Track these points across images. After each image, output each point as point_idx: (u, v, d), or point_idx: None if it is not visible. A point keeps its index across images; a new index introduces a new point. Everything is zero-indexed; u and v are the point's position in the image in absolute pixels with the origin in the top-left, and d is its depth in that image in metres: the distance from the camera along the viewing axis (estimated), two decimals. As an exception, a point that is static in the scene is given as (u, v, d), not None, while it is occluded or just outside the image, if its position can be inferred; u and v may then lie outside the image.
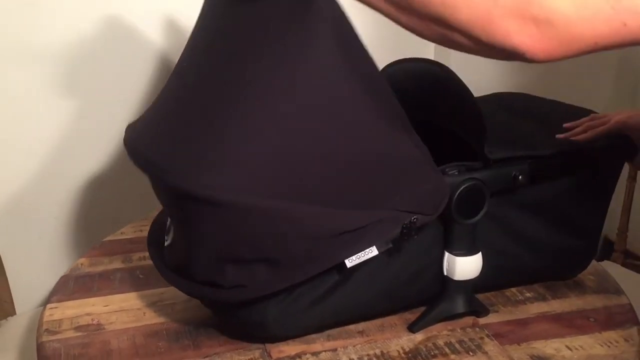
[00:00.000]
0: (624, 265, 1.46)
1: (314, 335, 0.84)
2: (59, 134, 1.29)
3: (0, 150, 1.26)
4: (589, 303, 0.93)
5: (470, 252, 0.84)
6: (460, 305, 0.87)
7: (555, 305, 0.92)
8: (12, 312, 1.29)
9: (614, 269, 1.39)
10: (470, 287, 0.87)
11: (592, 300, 0.94)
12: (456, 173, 0.81)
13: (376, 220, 0.76)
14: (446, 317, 0.87)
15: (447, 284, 0.86)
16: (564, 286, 0.97)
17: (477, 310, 0.89)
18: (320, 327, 0.84)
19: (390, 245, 0.77)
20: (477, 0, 0.59)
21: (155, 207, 1.26)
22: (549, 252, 0.93)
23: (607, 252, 1.57)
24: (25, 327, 1.19)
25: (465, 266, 0.84)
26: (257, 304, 0.79)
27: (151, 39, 1.30)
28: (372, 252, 0.76)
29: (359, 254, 0.76)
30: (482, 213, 0.83)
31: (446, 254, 0.85)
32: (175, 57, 1.25)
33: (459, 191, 0.80)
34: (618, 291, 0.96)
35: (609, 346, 0.83)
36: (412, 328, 0.86)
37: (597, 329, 0.87)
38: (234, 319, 0.82)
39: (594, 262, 1.04)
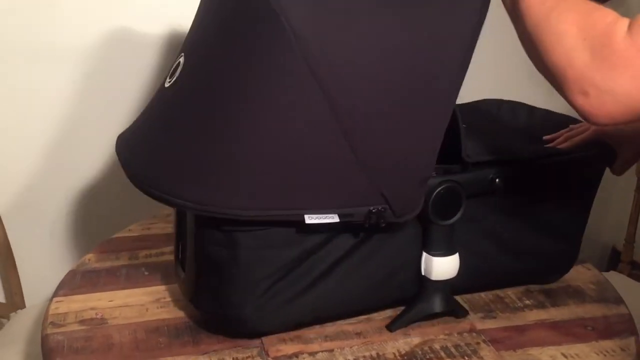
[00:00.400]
0: (630, 276, 1.46)
1: (311, 335, 0.86)
2: (72, 132, 1.31)
3: (14, 147, 1.29)
4: (588, 312, 0.93)
5: (447, 252, 0.86)
6: (437, 305, 0.88)
7: (554, 313, 0.93)
8: (22, 305, 1.32)
9: (620, 280, 1.38)
10: (448, 287, 0.88)
11: (591, 309, 0.94)
12: (434, 174, 0.83)
13: (351, 185, 0.76)
14: (424, 317, 0.88)
15: (425, 283, 0.87)
16: (564, 294, 0.97)
17: (455, 310, 0.90)
18: (298, 324, 0.86)
19: (351, 219, 0.77)
20: (561, 53, 0.64)
21: (161, 207, 1.29)
22: (528, 255, 0.94)
23: (614, 262, 1.57)
24: (34, 319, 1.22)
25: (442, 266, 0.85)
26: (236, 299, 0.80)
27: (171, 41, 1.32)
28: (334, 218, 0.76)
29: (320, 214, 0.75)
30: (459, 215, 0.84)
31: (424, 254, 0.86)
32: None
33: (435, 192, 0.82)
34: (618, 301, 0.96)
35: (605, 355, 0.83)
36: (391, 327, 0.87)
37: (594, 337, 0.87)
38: (214, 314, 0.84)
39: (595, 271, 1.05)
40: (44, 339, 0.85)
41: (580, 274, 1.03)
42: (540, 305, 0.94)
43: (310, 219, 0.75)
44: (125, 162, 0.81)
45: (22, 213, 1.33)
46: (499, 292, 0.97)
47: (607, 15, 0.64)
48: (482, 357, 0.82)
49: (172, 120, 0.79)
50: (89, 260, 1.06)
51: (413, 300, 0.88)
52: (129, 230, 1.18)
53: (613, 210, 1.66)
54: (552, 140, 0.95)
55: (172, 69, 0.81)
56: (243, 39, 0.73)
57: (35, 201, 1.33)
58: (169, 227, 1.18)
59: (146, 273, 1.02)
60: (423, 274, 0.87)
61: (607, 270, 1.50)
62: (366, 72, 0.72)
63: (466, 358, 0.82)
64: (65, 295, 0.96)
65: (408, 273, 0.87)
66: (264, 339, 0.85)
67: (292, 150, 0.73)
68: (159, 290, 0.97)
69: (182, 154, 0.76)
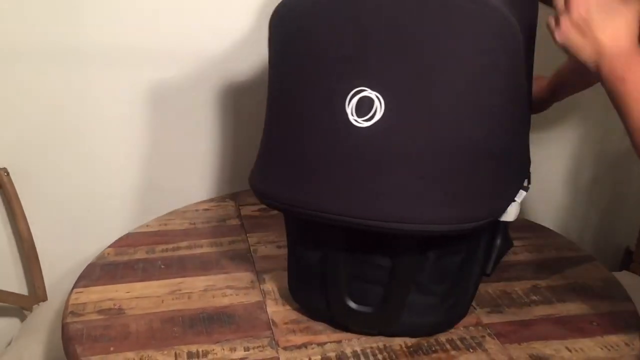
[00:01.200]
0: (642, 275, 1.46)
1: (320, 327, 0.88)
2: (95, 132, 1.35)
3: (37, 148, 1.33)
4: (594, 308, 0.94)
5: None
6: (509, 242, 0.99)
7: (560, 309, 0.94)
8: (44, 297, 1.36)
9: (630, 279, 1.39)
10: None
11: (597, 305, 0.95)
12: None
13: (525, 166, 0.87)
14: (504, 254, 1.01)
15: (501, 227, 0.95)
16: (571, 291, 0.99)
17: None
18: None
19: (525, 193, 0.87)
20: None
21: (178, 204, 1.32)
22: None
23: (627, 263, 1.56)
24: (56, 311, 1.25)
25: (518, 207, 0.91)
26: (456, 305, 0.87)
27: (188, 47, 1.34)
28: (522, 194, 0.86)
29: (519, 193, 0.85)
30: None
31: None
32: (217, 62, 1.29)
33: None
34: (625, 298, 0.97)
35: (609, 349, 0.85)
36: (488, 272, 0.95)
37: (599, 332, 0.88)
38: (428, 327, 0.88)
39: (603, 269, 1.06)
40: (64, 327, 0.89)
41: (588, 272, 1.04)
42: (547, 301, 0.96)
43: (519, 197, 0.85)
44: (352, 209, 0.76)
45: (45, 209, 1.37)
46: (506, 287, 0.99)
47: None
48: (486, 350, 0.84)
49: (403, 156, 0.75)
50: (108, 254, 1.10)
51: (491, 243, 0.95)
52: (147, 225, 1.21)
53: (627, 211, 1.66)
54: None
55: (354, 105, 0.75)
56: (478, 57, 0.73)
57: (58, 198, 1.37)
58: (185, 223, 1.22)
59: (162, 266, 1.05)
60: (502, 219, 0.90)
61: (620, 270, 1.50)
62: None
63: (471, 350, 0.84)
64: (85, 286, 0.99)
65: None
66: (274, 329, 0.88)
67: (514, 146, 0.81)
68: (174, 283, 1.00)
69: (432, 184, 0.75)
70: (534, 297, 0.97)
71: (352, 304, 0.85)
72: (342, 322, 0.88)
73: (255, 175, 0.85)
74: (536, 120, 0.94)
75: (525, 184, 0.88)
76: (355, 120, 0.75)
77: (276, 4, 0.84)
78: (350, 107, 0.75)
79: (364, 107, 0.75)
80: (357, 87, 0.75)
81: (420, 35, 0.73)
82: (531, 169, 0.90)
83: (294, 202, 0.79)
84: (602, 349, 0.85)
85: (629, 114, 0.72)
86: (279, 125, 0.83)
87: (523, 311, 0.93)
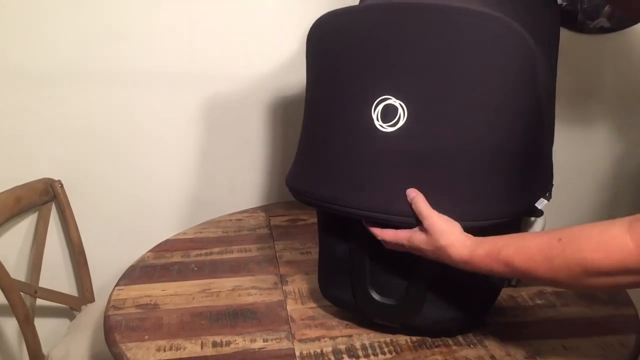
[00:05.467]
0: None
1: (334, 323, 0.96)
2: (138, 150, 1.47)
3: (89, 163, 1.46)
4: (596, 311, 0.99)
5: None
6: None
7: (563, 311, 0.99)
8: (91, 299, 1.48)
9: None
10: None
11: (599, 309, 1.00)
12: None
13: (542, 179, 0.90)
14: None
15: None
16: (575, 296, 1.03)
17: None
18: None
19: (546, 202, 0.90)
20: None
21: (214, 214, 1.42)
22: None
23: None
24: (101, 311, 1.37)
25: (544, 220, 0.98)
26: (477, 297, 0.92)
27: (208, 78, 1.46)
28: (543, 202, 0.90)
29: (539, 200, 0.89)
30: None
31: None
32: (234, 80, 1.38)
33: None
34: (627, 303, 1.02)
35: (603, 349, 0.89)
36: (513, 283, 1.04)
37: (597, 333, 0.93)
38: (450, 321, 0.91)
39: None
40: (106, 319, 1.00)
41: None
42: (550, 305, 1.01)
43: (540, 205, 0.90)
44: (389, 208, 0.83)
45: (94, 219, 1.49)
46: (513, 292, 1.05)
47: None
48: (486, 346, 0.90)
49: (426, 160, 0.82)
50: (148, 257, 1.21)
51: None
52: (184, 233, 1.32)
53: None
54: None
55: (379, 112, 0.83)
56: (496, 72, 0.79)
57: (106, 208, 1.49)
58: (219, 232, 1.32)
59: (195, 269, 1.16)
60: (530, 230, 0.97)
61: None
62: None
63: (472, 346, 0.90)
64: (125, 285, 1.10)
65: None
66: (292, 324, 0.96)
67: (534, 152, 0.85)
68: (205, 283, 1.10)
69: (450, 183, 0.81)
70: (539, 301, 1.02)
71: (376, 296, 0.91)
72: (368, 314, 0.94)
73: (291, 175, 0.95)
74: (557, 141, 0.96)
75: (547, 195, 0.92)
76: (381, 126, 0.83)
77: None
78: (376, 114, 0.84)
79: (389, 114, 0.83)
80: (382, 95, 0.83)
81: (437, 50, 0.81)
82: (554, 186, 0.94)
83: (324, 198, 0.88)
84: (597, 348, 0.90)
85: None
86: (311, 131, 0.92)
87: (526, 313, 0.99)
